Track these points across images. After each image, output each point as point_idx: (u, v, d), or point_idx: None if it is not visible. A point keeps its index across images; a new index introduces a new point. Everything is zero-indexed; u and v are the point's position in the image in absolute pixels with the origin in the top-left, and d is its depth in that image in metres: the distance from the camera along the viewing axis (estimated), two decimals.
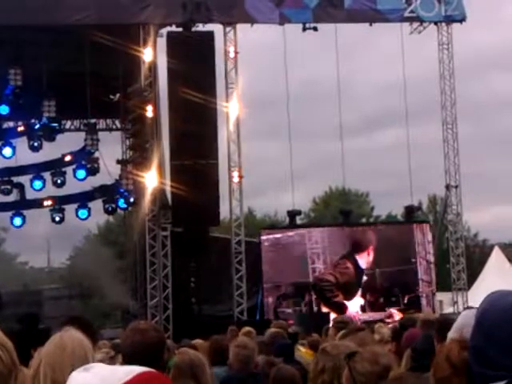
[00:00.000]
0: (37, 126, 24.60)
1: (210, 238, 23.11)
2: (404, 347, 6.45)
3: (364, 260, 22.09)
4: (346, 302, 21.75)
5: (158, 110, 22.67)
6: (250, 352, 6.79)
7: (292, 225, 23.59)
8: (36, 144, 24.47)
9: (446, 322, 5.29)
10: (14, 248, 41.54)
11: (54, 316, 22.87)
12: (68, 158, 25.65)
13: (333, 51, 23.84)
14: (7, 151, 24.48)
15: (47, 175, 25.55)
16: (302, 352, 9.45)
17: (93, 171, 25.31)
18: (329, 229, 23.57)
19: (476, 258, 41.89)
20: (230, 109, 22.53)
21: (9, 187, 26.13)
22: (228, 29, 22.69)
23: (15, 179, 26.32)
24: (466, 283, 23.79)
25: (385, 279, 22.21)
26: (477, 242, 50.42)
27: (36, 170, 25.65)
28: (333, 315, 20.20)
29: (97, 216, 28.60)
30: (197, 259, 22.73)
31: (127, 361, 3.91)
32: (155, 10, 21.88)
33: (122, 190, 24.54)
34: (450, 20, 23.80)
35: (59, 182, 25.36)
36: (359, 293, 22.00)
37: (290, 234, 22.50)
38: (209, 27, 22.51)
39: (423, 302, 22.42)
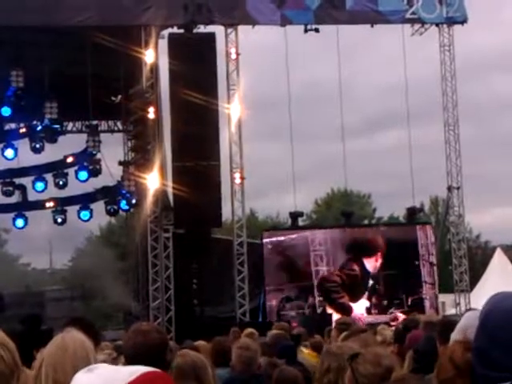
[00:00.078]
0: (39, 128, 24.60)
1: (211, 239, 23.11)
2: (407, 349, 6.45)
3: (371, 265, 22.08)
4: (351, 303, 21.76)
5: (159, 112, 22.69)
6: (253, 353, 6.78)
7: (294, 226, 23.60)
8: (38, 145, 24.47)
9: (449, 324, 5.28)
10: (16, 249, 41.56)
11: (56, 317, 22.86)
12: (70, 160, 25.65)
13: (334, 52, 23.86)
14: (9, 153, 24.48)
15: (49, 177, 25.56)
16: (305, 353, 9.44)
17: (95, 173, 25.32)
18: (331, 230, 23.55)
19: (478, 259, 41.87)
20: (232, 110, 22.53)
21: (11, 189, 26.13)
22: (229, 30, 22.70)
23: (17, 181, 26.32)
24: (468, 285, 23.78)
25: (388, 281, 22.21)
26: (479, 243, 50.40)
27: (38, 171, 25.66)
28: (336, 316, 20.23)
29: (99, 217, 28.65)
30: (199, 261, 22.73)
31: (129, 362, 3.91)
32: (157, 12, 21.89)
33: (123, 192, 24.54)
34: (451, 21, 23.80)
35: (61, 183, 25.38)
36: (365, 295, 22.00)
37: (293, 236, 22.49)
38: (210, 29, 22.53)
39: (426, 304, 22.42)
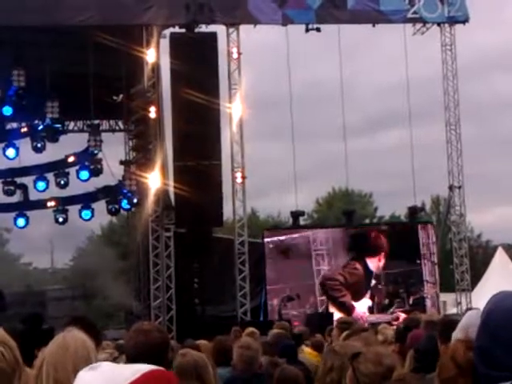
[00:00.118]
0: (40, 127, 24.61)
1: (213, 238, 23.11)
2: (408, 348, 6.44)
3: (374, 264, 22.10)
4: (353, 302, 21.77)
5: (161, 111, 22.69)
6: (254, 353, 6.78)
7: (295, 226, 23.59)
8: (39, 145, 24.48)
9: (450, 323, 5.27)
10: (17, 249, 41.63)
11: (57, 316, 22.87)
12: (71, 159, 25.66)
13: (336, 52, 23.86)
14: (11, 152, 24.48)
15: (50, 176, 25.57)
16: (306, 353, 9.44)
17: (96, 172, 25.32)
18: (332, 230, 23.56)
19: (479, 258, 41.85)
20: (233, 110, 22.53)
21: (12, 188, 26.15)
22: (231, 30, 22.70)
23: (19, 180, 26.33)
24: (469, 284, 23.77)
25: (390, 280, 22.22)
26: (480, 242, 50.38)
27: (39, 170, 25.67)
28: (338, 315, 20.25)
29: (100, 217, 28.65)
30: (200, 260, 22.73)
31: (131, 362, 3.90)
32: (158, 11, 21.89)
33: (125, 191, 24.54)
34: (452, 21, 23.78)
35: (62, 182, 25.39)
36: (368, 295, 22.01)
37: (295, 235, 22.50)
38: (212, 28, 22.53)
39: (428, 303, 22.43)
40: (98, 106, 23.52)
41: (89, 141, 24.35)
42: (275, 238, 22.48)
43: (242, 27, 22.87)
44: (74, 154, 25.67)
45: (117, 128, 29.19)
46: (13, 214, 26.17)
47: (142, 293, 25.37)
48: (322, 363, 4.14)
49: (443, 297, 24.42)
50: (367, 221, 46.03)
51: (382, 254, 22.13)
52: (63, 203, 25.98)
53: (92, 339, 3.53)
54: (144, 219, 23.21)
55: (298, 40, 24.14)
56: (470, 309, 8.00)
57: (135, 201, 24.34)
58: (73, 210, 26.02)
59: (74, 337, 3.45)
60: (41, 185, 25.41)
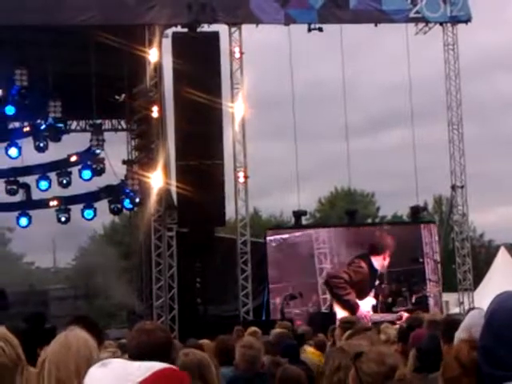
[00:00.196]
0: (42, 127, 24.63)
1: (215, 238, 23.11)
2: (410, 348, 6.44)
3: (379, 263, 22.10)
4: (358, 300, 21.77)
5: (163, 111, 22.68)
6: (256, 352, 6.78)
7: (297, 225, 23.58)
8: (42, 144, 24.49)
9: (452, 323, 5.27)
10: (19, 248, 41.61)
11: (60, 316, 22.90)
12: (74, 159, 25.68)
13: (338, 52, 23.86)
14: (13, 151, 24.50)
15: (53, 175, 25.58)
16: (308, 352, 9.44)
17: (98, 172, 25.34)
18: (335, 229, 23.56)
19: (482, 258, 41.84)
20: (236, 109, 22.52)
21: (15, 187, 26.18)
22: (233, 29, 22.69)
23: (21, 179, 26.36)
24: (471, 284, 23.75)
25: (392, 279, 22.22)
26: (483, 242, 50.36)
27: (42, 170, 25.68)
28: (341, 313, 20.26)
29: (102, 216, 28.65)
30: (202, 259, 22.74)
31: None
32: (160, 11, 21.89)
33: (127, 191, 24.56)
34: (455, 20, 23.75)
35: (65, 182, 25.41)
36: (372, 293, 22.02)
37: (297, 234, 22.50)
38: (214, 28, 22.50)
39: (431, 302, 22.43)
40: (100, 105, 23.53)
41: (91, 140, 24.37)
42: (278, 237, 22.48)
43: (245, 27, 22.86)
44: (77, 154, 25.68)
45: (119, 127, 29.20)
46: (15, 214, 26.21)
47: (144, 292, 25.39)
48: (330, 362, 4.13)
49: (445, 296, 24.41)
50: (369, 220, 46.02)
51: (388, 252, 22.14)
52: (65, 203, 26.00)
53: (94, 338, 3.53)
54: (146, 219, 23.22)
55: (300, 40, 24.16)
56: (473, 308, 7.98)
57: (137, 200, 24.36)
58: (75, 209, 26.05)
59: (76, 336, 3.44)
60: (43, 184, 25.43)
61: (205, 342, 9.17)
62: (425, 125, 33.26)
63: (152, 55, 22.03)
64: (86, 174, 24.92)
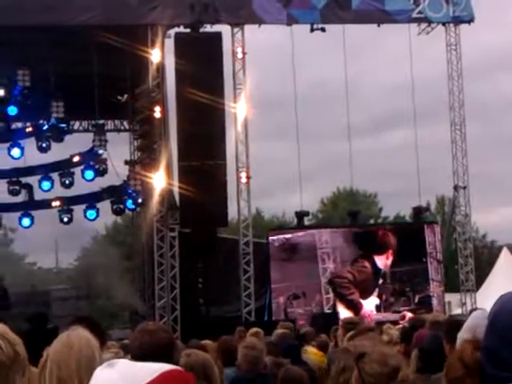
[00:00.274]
0: (45, 127, 24.63)
1: (217, 238, 23.12)
2: (413, 348, 6.42)
3: (382, 262, 22.12)
4: (361, 300, 21.78)
5: (165, 111, 22.70)
6: (259, 353, 6.78)
7: (300, 226, 23.58)
8: (44, 145, 24.49)
9: (455, 323, 5.27)
10: (22, 249, 41.56)
11: (62, 316, 22.90)
12: (76, 159, 25.68)
13: (340, 52, 23.84)
14: (16, 152, 24.51)
15: (55, 176, 25.59)
16: (310, 353, 9.43)
17: (101, 172, 25.34)
18: (338, 229, 23.56)
19: (484, 259, 41.81)
20: (238, 109, 22.52)
21: (17, 188, 26.16)
22: (236, 29, 22.69)
23: (23, 180, 26.34)
24: (474, 284, 23.73)
25: (396, 279, 22.23)
26: (485, 243, 50.34)
27: (44, 170, 25.69)
28: (345, 313, 20.27)
29: (105, 217, 28.65)
30: (204, 260, 22.74)
31: None
32: (163, 11, 21.89)
33: (130, 191, 24.56)
34: (458, 21, 23.74)
35: (67, 182, 25.41)
36: (375, 293, 22.03)
37: (300, 234, 22.51)
38: (216, 28, 22.52)
39: (434, 301, 22.43)
40: (102, 105, 23.55)
41: (94, 141, 24.38)
42: (281, 236, 22.48)
43: (247, 27, 22.87)
44: (79, 154, 25.69)
45: (122, 128, 29.22)
46: (18, 214, 26.19)
47: (146, 293, 25.38)
48: (336, 363, 4.13)
49: (448, 297, 24.39)
50: (372, 221, 46.00)
51: (390, 251, 22.14)
52: (68, 203, 26.00)
53: (97, 338, 3.52)
54: (149, 219, 23.22)
55: (302, 40, 24.17)
56: (476, 309, 7.97)
57: (140, 201, 24.35)
58: (78, 209, 26.04)
59: (78, 335, 3.44)
60: (46, 184, 25.43)
61: (207, 342, 9.17)
62: (427, 125, 33.18)
63: (154, 55, 22.04)
64: (89, 174, 24.92)
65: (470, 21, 23.81)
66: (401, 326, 11.24)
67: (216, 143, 21.55)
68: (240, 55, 22.66)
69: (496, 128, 60.20)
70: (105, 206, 26.15)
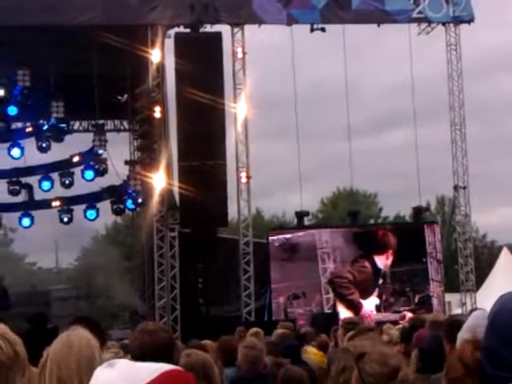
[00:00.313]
0: (45, 127, 24.63)
1: (217, 238, 23.11)
2: (413, 348, 6.42)
3: (382, 262, 22.12)
4: (361, 300, 21.79)
5: (165, 111, 22.70)
6: (259, 353, 6.78)
7: (300, 226, 23.58)
8: (44, 145, 24.50)
9: (455, 323, 5.27)
10: (22, 248, 41.58)
11: (62, 316, 22.90)
12: (76, 159, 25.69)
13: (340, 52, 23.84)
14: (16, 152, 24.51)
15: (55, 176, 25.59)
16: (310, 353, 9.44)
17: (101, 172, 25.34)
18: (337, 229, 23.57)
19: (484, 259, 41.81)
20: (238, 109, 22.52)
21: (17, 188, 26.16)
22: (236, 29, 22.69)
23: (23, 180, 26.35)
24: (474, 284, 23.73)
25: (396, 279, 22.23)
26: (485, 243, 50.34)
27: (44, 170, 25.69)
28: (344, 313, 20.27)
29: (105, 217, 28.66)
30: (205, 260, 22.74)
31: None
32: (163, 11, 21.89)
33: (130, 191, 24.56)
34: (458, 21, 23.74)
35: (67, 182, 25.42)
36: (375, 293, 22.03)
37: (300, 233, 22.51)
38: (216, 28, 22.52)
39: (434, 301, 22.44)
40: (102, 105, 23.55)
41: (94, 141, 24.39)
42: (281, 236, 22.48)
43: (247, 27, 22.86)
44: (79, 154, 25.69)
45: (122, 128, 29.22)
46: (18, 214, 26.19)
47: (146, 293, 25.38)
48: (336, 363, 4.13)
49: (448, 297, 24.39)
50: (372, 221, 46.00)
51: (390, 251, 22.14)
52: (68, 203, 26.00)
53: (97, 338, 3.52)
54: (149, 219, 23.22)
55: (302, 40, 24.17)
56: (476, 309, 7.97)
57: (140, 201, 24.35)
58: (78, 209, 26.05)
59: (78, 335, 3.44)
60: (46, 184, 25.44)
61: (207, 342, 9.17)
62: (427, 125, 33.17)
63: (154, 55, 22.04)
64: (89, 174, 24.93)
65: (470, 21, 23.81)
66: (401, 326, 11.25)
67: (216, 143, 21.55)
68: (240, 55, 22.66)
69: (496, 128, 60.24)
70: (105, 205, 26.17)
